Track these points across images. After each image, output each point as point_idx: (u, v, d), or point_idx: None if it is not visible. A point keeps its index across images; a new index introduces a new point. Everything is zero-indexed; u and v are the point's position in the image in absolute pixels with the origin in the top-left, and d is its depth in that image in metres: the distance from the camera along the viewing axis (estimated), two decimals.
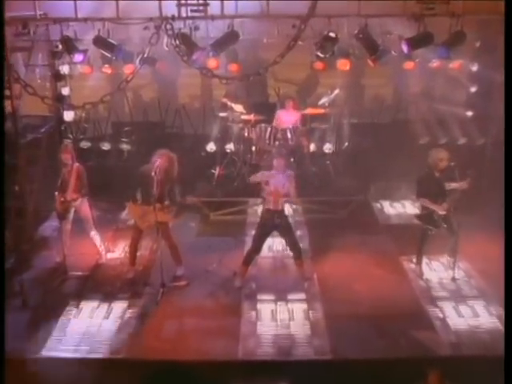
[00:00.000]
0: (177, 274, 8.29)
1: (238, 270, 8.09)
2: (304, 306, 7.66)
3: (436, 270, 8.55)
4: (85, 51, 9.42)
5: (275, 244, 8.99)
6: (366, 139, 11.45)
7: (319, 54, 9.67)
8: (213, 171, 10.82)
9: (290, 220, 8.23)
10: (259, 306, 7.70)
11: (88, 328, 7.26)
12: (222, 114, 10.82)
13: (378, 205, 10.92)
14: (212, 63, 10.02)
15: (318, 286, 8.06)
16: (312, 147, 11.06)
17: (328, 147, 11.29)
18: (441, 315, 7.44)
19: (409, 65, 10.39)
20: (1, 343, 5.13)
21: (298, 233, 9.60)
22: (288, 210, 8.42)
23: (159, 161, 7.70)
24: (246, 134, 10.61)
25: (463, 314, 7.44)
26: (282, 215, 7.73)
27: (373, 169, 10.98)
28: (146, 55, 8.20)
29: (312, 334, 7.06)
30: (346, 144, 11.68)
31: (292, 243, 7.92)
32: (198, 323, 7.33)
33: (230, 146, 11.18)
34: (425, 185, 7.81)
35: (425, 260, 8.60)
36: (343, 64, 10.35)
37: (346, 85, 12.06)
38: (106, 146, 11.31)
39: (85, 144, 11.25)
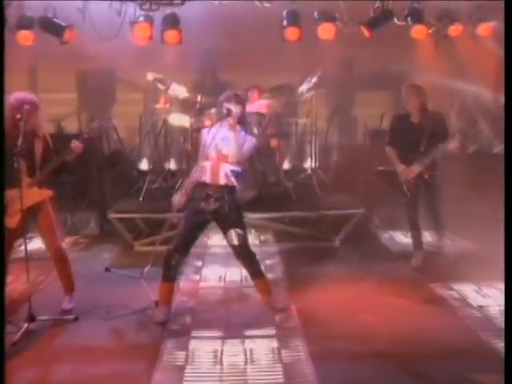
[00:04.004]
0: (63, 306, 5.60)
1: (160, 296, 5.40)
2: (272, 343, 4.88)
3: (492, 297, 5.84)
4: None
5: (230, 274, 6.60)
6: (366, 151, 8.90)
7: None
8: (142, 183, 8.28)
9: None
10: (193, 344, 4.87)
11: None
12: (158, 106, 8.20)
13: (386, 235, 8.40)
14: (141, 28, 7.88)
15: (299, 319, 5.35)
16: (286, 164, 8.49)
17: (310, 165, 8.62)
18: None
19: (418, 31, 8.05)
20: (1, 344, 4.39)
21: (267, 262, 6.97)
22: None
23: (28, 106, 5.16)
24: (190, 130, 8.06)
25: None
26: (223, 196, 5.22)
27: (376, 191, 8.22)
28: None
29: (287, 381, 4.20)
30: (336, 158, 9.08)
31: (241, 248, 5.36)
32: (76, 371, 4.47)
33: (169, 165, 8.56)
34: (397, 128, 6.61)
35: (471, 287, 6.10)
36: (326, 30, 8.22)
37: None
38: None
39: None
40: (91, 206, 8.15)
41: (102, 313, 5.43)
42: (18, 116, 5.06)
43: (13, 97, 5.24)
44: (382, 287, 6.07)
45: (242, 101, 5.26)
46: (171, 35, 8.07)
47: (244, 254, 5.40)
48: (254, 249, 5.48)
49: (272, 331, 5.07)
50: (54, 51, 8.48)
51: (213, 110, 7.74)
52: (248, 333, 5.04)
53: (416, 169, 6.35)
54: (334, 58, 8.52)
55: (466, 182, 7.83)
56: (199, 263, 6.85)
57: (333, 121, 9.70)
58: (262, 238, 8.00)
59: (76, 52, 8.57)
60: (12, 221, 5.19)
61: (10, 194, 5.13)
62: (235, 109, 5.15)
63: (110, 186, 8.27)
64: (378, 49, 8.45)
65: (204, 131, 5.40)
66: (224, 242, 7.18)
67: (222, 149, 5.15)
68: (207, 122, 7.75)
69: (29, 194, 5.16)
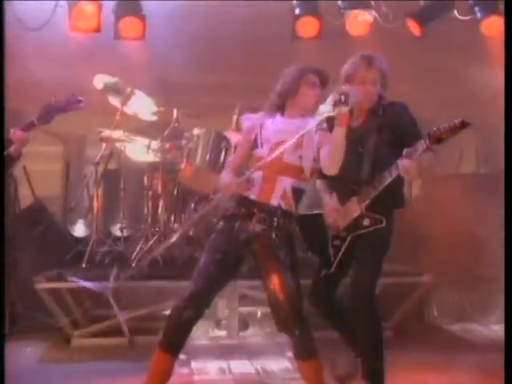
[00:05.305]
0: None
1: (152, 375, 5.09)
2: None
3: None
4: None
5: (236, 366, 6.63)
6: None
7: None
8: (81, 247, 8.12)
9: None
10: None
11: None
12: (105, 134, 7.96)
13: (456, 327, 8.52)
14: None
15: None
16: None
17: None
18: None
19: (491, 26, 8.48)
20: (1, 346, 5.07)
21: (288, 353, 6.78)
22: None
23: None
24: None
25: None
26: (272, 218, 5.07)
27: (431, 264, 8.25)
28: None
29: None
30: None
31: (290, 301, 5.01)
32: None
33: (122, 224, 8.46)
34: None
35: None
36: (357, 21, 8.48)
37: None
38: None
39: None
40: None
41: None
42: None
43: None
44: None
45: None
46: (130, 25, 7.96)
47: (292, 313, 5.00)
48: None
49: None
50: None
51: (196, 131, 7.63)
52: None
53: (352, 208, 5.26)
54: None
55: None
56: (182, 356, 6.49)
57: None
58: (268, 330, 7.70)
59: None
60: None
61: None
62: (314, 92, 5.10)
63: (28, 253, 7.91)
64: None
65: (248, 121, 5.30)
66: (213, 333, 7.55)
67: (285, 156, 4.98)
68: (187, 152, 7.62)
69: None
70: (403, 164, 4.85)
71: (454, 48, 8.58)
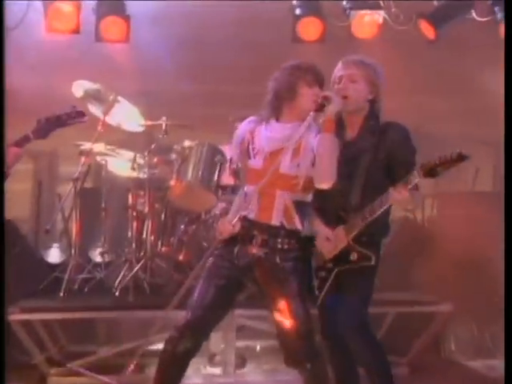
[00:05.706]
0: None
1: None
2: None
3: None
4: None
5: None
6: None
7: None
8: (58, 273, 7.78)
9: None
10: None
11: None
12: (85, 147, 7.73)
13: (476, 363, 8.10)
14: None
15: None
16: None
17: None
18: None
19: None
20: (1, 344, 5.13)
21: None
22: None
23: None
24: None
25: None
26: (276, 240, 4.89)
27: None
28: None
29: None
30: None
31: (300, 332, 4.85)
32: None
33: (103, 247, 8.19)
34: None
35: None
36: (364, 22, 8.36)
37: None
38: None
39: None
40: None
41: None
42: None
43: None
44: None
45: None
46: (112, 26, 7.78)
47: (302, 344, 4.77)
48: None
49: None
50: None
51: (187, 144, 7.32)
52: None
53: (339, 238, 5.06)
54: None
55: None
56: None
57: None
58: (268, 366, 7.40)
59: None
60: None
61: None
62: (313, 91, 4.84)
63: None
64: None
65: (242, 129, 5.09)
66: (206, 371, 7.20)
67: (281, 166, 4.74)
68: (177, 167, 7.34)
69: None
70: (395, 196, 4.71)
71: (471, 52, 8.56)
